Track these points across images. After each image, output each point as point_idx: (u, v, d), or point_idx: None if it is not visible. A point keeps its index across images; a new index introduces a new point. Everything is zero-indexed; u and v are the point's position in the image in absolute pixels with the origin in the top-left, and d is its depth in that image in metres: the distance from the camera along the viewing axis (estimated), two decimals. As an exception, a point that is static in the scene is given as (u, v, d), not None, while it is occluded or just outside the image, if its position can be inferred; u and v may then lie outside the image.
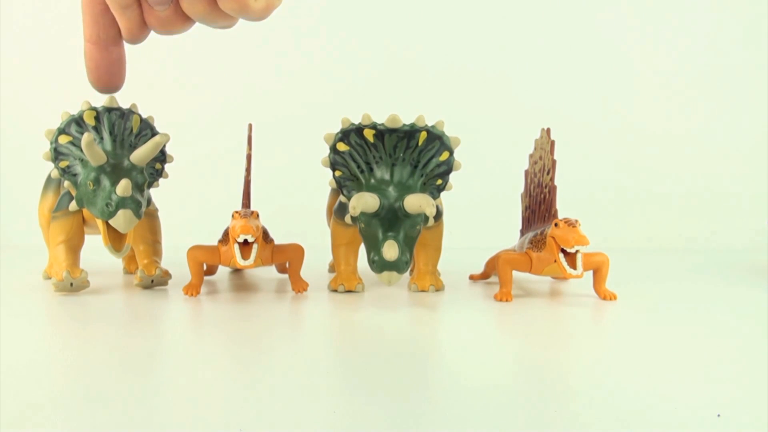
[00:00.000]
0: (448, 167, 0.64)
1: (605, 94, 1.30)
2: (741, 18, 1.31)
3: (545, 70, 1.30)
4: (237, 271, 0.83)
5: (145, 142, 0.64)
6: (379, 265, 0.57)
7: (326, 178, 0.67)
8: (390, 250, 0.56)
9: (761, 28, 1.30)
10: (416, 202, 0.57)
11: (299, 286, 0.68)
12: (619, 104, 1.31)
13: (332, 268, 0.85)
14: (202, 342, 0.49)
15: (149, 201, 0.69)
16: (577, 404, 0.34)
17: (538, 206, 0.69)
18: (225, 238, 0.66)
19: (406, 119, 0.63)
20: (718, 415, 0.32)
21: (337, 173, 0.63)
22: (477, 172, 1.04)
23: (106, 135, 0.66)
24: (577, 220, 0.60)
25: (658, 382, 0.38)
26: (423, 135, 0.62)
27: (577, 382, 0.38)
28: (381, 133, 0.62)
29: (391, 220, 0.58)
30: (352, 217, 0.62)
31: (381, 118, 0.63)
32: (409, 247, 0.58)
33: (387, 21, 1.27)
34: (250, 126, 0.73)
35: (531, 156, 0.74)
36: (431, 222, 0.62)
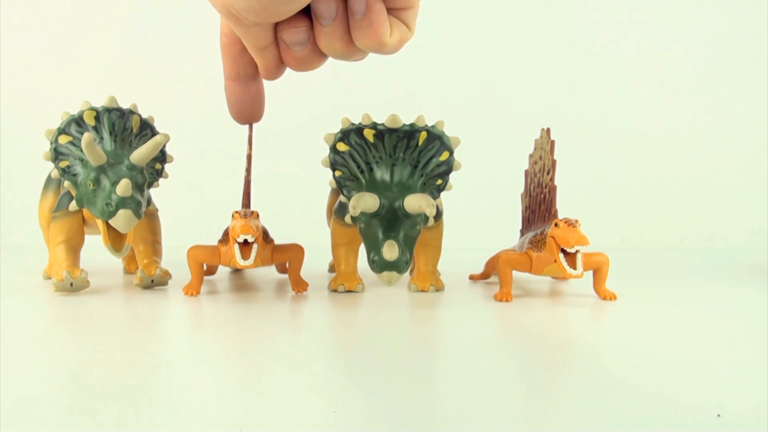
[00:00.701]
0: (448, 167, 0.64)
1: (605, 94, 1.30)
2: (740, 18, 1.31)
3: (545, 70, 1.30)
4: (237, 271, 0.83)
5: (145, 142, 0.64)
6: (379, 265, 0.57)
7: (326, 178, 0.67)
8: (390, 251, 0.56)
9: (761, 29, 1.30)
10: (416, 203, 0.57)
11: (299, 286, 0.68)
12: (619, 104, 1.31)
13: (332, 268, 0.85)
14: (202, 342, 0.49)
15: (149, 201, 0.69)
16: (576, 404, 0.34)
17: (538, 206, 0.69)
18: (225, 238, 0.66)
19: (406, 119, 0.63)
20: (718, 415, 0.32)
21: (337, 173, 0.63)
22: (477, 172, 1.04)
23: (106, 135, 0.66)
24: (577, 220, 0.60)
25: (658, 382, 0.38)
26: (423, 135, 0.62)
27: (577, 382, 0.38)
28: (381, 133, 0.62)
29: (391, 220, 0.58)
30: (352, 217, 0.62)
31: (381, 118, 0.63)
32: (409, 247, 0.58)
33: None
34: (251, 126, 0.73)
35: (531, 156, 0.74)
36: (431, 222, 0.62)
